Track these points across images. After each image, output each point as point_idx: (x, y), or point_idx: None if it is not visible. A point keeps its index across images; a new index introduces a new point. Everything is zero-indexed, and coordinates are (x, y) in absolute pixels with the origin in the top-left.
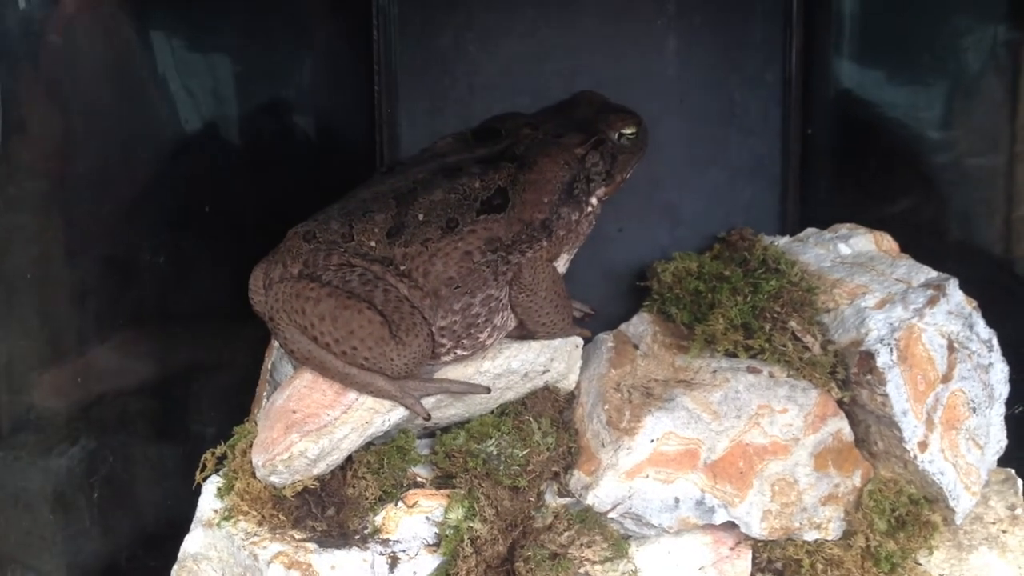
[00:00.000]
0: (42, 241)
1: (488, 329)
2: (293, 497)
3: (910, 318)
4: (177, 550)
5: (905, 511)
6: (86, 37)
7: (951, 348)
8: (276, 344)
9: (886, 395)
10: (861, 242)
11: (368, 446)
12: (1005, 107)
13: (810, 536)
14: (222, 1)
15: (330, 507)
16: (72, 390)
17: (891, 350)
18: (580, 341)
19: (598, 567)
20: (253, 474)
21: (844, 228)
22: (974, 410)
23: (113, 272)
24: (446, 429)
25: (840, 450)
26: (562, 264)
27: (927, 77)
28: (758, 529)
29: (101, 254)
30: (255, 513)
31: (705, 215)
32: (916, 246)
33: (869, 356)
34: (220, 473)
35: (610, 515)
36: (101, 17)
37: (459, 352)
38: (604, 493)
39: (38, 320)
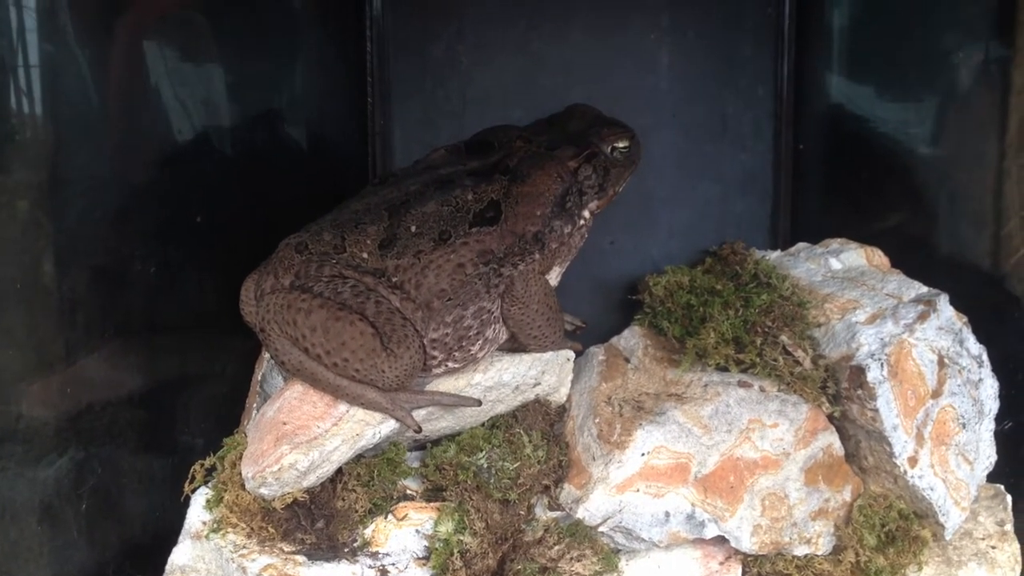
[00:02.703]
0: (31, 251)
1: (480, 342)
2: (282, 509)
3: (901, 333)
4: (165, 562)
5: (895, 526)
6: (77, 46)
7: (941, 363)
8: (266, 355)
9: (876, 410)
10: (852, 257)
11: (358, 458)
12: (994, 124)
13: (800, 551)
14: (214, 10)
15: (319, 520)
16: (60, 400)
17: (881, 365)
18: (571, 354)
19: None
20: (242, 486)
21: (835, 243)
22: (964, 426)
23: (102, 282)
24: (437, 442)
25: (830, 465)
26: (554, 277)
27: (917, 93)
28: (748, 544)
29: (91, 264)
30: (244, 525)
31: (697, 229)
32: (907, 261)
33: (860, 371)
34: (209, 485)
35: (600, 529)
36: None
37: (451, 364)
38: (594, 507)
39: (26, 330)
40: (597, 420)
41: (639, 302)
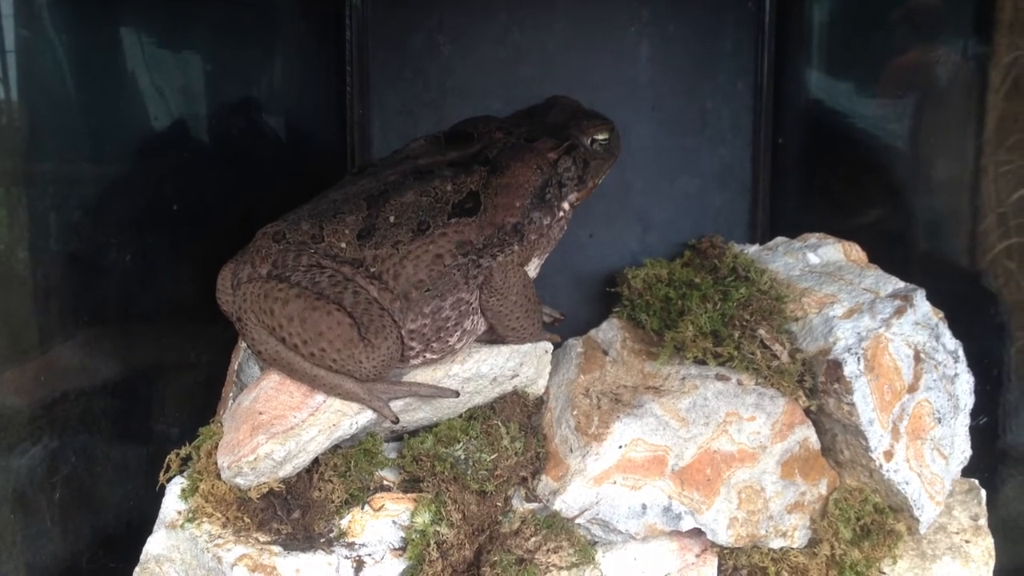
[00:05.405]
0: (6, 238)
1: (458, 333)
2: (258, 499)
3: (877, 328)
4: (139, 552)
5: (870, 520)
6: (54, 31)
7: (917, 358)
8: (243, 345)
9: (853, 404)
10: (830, 252)
11: (335, 449)
12: (972, 120)
13: (776, 544)
14: None
15: (295, 510)
16: (34, 388)
17: (858, 359)
18: (549, 346)
19: (564, 573)
20: (218, 475)
21: (813, 237)
22: (939, 420)
23: (78, 270)
24: (414, 433)
25: (807, 458)
26: (533, 269)
27: (896, 90)
28: (724, 536)
29: (66, 252)
30: (219, 515)
31: (675, 222)
32: (884, 256)
33: (836, 365)
34: (184, 474)
35: (577, 521)
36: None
37: (428, 355)
38: (572, 499)
39: (0, 317)
40: (575, 412)
41: (618, 295)
